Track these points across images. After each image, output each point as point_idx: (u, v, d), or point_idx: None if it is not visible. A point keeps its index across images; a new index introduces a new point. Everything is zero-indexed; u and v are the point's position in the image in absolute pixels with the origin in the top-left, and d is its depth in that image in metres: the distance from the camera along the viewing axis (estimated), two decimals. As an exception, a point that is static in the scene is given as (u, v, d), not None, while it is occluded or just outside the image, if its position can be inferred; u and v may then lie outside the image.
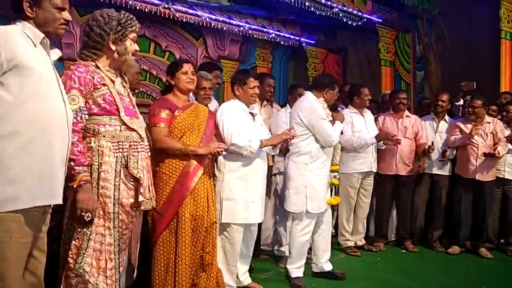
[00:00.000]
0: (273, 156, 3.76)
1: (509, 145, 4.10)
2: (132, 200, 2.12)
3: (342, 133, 3.48)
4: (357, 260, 3.89)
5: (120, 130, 2.07)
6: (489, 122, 4.13)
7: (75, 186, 1.89)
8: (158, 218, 2.56)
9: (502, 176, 4.19)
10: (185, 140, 2.60)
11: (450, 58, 6.22)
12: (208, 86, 2.99)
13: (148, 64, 5.81)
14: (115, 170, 2.05)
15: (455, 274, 3.60)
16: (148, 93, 5.71)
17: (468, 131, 4.10)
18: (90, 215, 1.93)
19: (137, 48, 2.19)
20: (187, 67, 2.67)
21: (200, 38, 6.48)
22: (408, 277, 3.46)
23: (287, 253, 3.61)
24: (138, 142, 2.13)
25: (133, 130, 2.11)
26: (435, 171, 4.33)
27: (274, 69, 7.44)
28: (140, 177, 2.09)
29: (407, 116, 4.32)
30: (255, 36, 6.62)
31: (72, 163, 1.87)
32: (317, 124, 3.14)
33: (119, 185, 2.06)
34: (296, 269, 3.21)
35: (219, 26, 6.10)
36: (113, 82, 2.11)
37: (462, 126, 4.19)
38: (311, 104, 3.21)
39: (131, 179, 2.10)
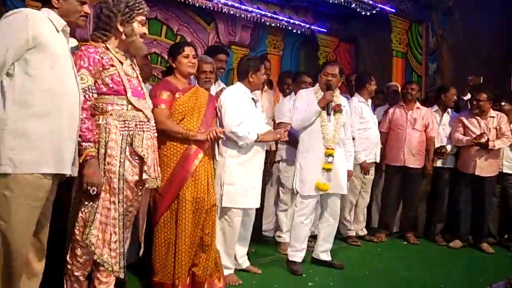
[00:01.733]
0: (276, 143, 3.78)
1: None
2: (136, 177, 2.18)
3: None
4: (357, 250, 3.93)
5: (127, 110, 2.15)
6: (493, 117, 4.09)
7: (81, 161, 1.97)
8: (159, 199, 2.60)
9: (500, 170, 4.15)
10: (185, 122, 2.62)
11: (464, 51, 6.11)
12: (208, 69, 2.98)
13: (159, 47, 5.81)
14: (121, 147, 2.12)
15: (454, 267, 3.62)
16: (159, 77, 5.73)
17: (470, 126, 4.09)
18: (95, 189, 2.00)
19: (146, 31, 2.24)
20: (188, 50, 2.67)
21: (212, 23, 6.45)
22: (406, 268, 3.49)
23: (287, 240, 3.66)
24: (144, 122, 2.20)
25: (140, 110, 2.18)
26: (438, 164, 4.31)
27: (285, 56, 7.40)
28: (144, 155, 2.15)
29: (418, 108, 4.29)
30: (266, 22, 6.59)
31: (79, 139, 1.95)
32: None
33: (124, 162, 2.13)
34: (293, 252, 3.25)
35: (230, 11, 6.08)
36: (121, 63, 2.18)
37: (465, 121, 4.17)
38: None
39: (136, 157, 2.17)
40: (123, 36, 2.17)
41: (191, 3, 5.61)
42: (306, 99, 3.25)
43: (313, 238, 3.60)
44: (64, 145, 1.82)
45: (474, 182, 4.08)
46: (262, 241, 3.83)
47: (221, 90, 3.09)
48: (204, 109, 2.69)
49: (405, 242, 4.26)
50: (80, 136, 1.95)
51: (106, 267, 2.12)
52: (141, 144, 2.16)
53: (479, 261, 3.84)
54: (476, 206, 4.12)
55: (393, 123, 4.27)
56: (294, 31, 6.97)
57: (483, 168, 4.03)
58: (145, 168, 2.17)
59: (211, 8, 5.84)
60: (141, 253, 2.43)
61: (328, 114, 3.19)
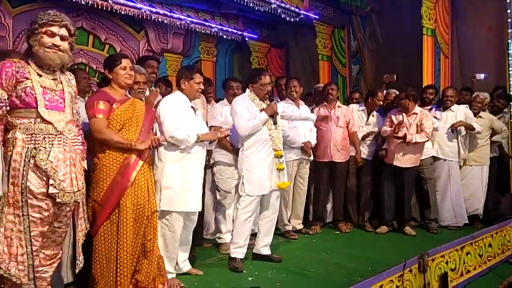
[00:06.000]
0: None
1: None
2: (44, 190, 2.17)
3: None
4: (294, 243, 4.16)
5: (35, 123, 2.18)
6: (416, 113, 4.41)
7: None
8: (99, 209, 2.61)
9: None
10: (124, 133, 2.66)
11: (383, 52, 6.68)
12: (142, 80, 3.05)
13: (86, 57, 5.70)
14: (24, 160, 2.14)
15: (380, 251, 3.96)
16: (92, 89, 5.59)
17: (396, 121, 4.45)
18: None
19: (55, 42, 2.21)
20: (125, 62, 2.74)
21: (142, 31, 6.43)
22: (338, 255, 3.78)
23: (227, 240, 3.79)
24: (55, 135, 2.21)
25: (49, 123, 2.19)
26: (363, 156, 4.68)
27: (219, 62, 7.57)
28: (47, 168, 2.15)
29: (339, 106, 4.65)
30: (198, 29, 6.69)
31: None
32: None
33: (27, 174, 2.14)
34: (235, 249, 3.36)
35: (160, 19, 6.10)
36: (40, 75, 2.20)
37: (392, 117, 4.53)
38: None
39: (43, 170, 2.17)
40: (33, 49, 2.20)
41: (118, 12, 5.55)
42: (246, 105, 3.38)
43: (253, 236, 3.75)
44: None
45: (396, 172, 4.46)
46: (204, 244, 3.92)
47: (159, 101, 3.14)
48: (142, 119, 2.75)
49: (338, 232, 4.59)
50: None
51: (15, 280, 2.13)
52: (46, 158, 2.16)
53: (403, 243, 4.23)
54: (398, 195, 4.52)
55: (318, 122, 4.57)
56: (226, 37, 7.15)
57: (403, 160, 4.41)
58: (51, 181, 2.16)
59: (140, 16, 5.82)
60: (77, 270, 2.43)
61: (275, 123, 3.44)
